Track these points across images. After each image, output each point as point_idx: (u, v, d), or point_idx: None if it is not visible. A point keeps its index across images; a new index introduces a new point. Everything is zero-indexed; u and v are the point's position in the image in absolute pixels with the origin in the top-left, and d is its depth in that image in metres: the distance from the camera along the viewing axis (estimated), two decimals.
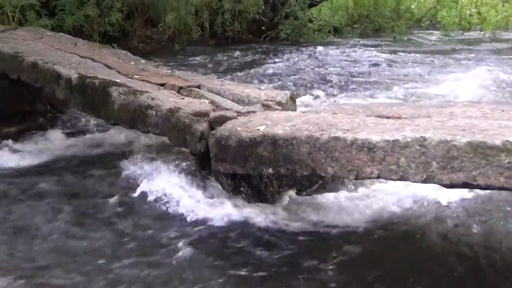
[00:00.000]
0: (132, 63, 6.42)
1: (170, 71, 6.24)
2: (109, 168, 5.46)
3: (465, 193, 4.60)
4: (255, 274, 3.74)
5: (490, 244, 4.09)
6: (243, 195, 4.59)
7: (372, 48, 10.43)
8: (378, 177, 3.78)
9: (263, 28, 10.95)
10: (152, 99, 5.00)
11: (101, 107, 5.36)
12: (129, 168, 5.19)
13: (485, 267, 3.83)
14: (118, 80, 5.45)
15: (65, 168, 5.55)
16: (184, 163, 4.93)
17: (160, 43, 10.43)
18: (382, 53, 10.08)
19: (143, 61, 6.63)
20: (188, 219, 4.42)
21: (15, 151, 5.99)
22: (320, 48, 10.32)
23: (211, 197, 4.62)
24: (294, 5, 10.88)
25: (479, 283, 3.67)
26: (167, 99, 5.02)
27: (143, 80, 5.60)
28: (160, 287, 3.63)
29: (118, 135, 6.17)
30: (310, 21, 11.31)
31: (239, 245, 4.10)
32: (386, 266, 3.91)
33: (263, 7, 10.95)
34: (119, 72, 5.80)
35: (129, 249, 4.06)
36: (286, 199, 4.66)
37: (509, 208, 4.55)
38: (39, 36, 7.42)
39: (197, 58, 9.36)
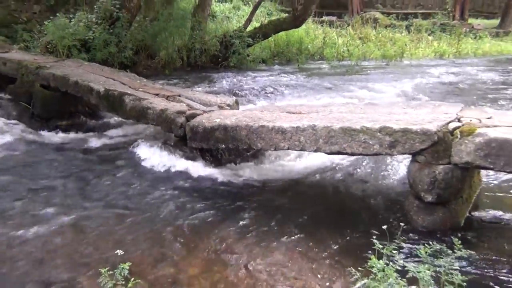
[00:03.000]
0: (138, 81, 6.28)
1: (161, 86, 6.14)
2: (126, 141, 5.42)
3: (347, 157, 4.62)
4: (202, 206, 3.79)
5: (363, 188, 4.17)
6: (207, 160, 4.57)
7: (285, 72, 10.44)
8: (288, 149, 3.82)
9: (219, 59, 10.82)
10: (150, 103, 4.92)
11: (118, 108, 5.24)
12: (138, 143, 5.08)
13: (359, 199, 3.93)
14: (129, 92, 5.33)
15: (95, 148, 5.42)
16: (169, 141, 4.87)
17: (156, 69, 10.22)
18: (290, 74, 10.09)
19: (145, 80, 6.49)
20: (169, 171, 4.46)
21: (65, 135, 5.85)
22: (254, 72, 10.29)
23: (186, 161, 4.58)
24: (238, 45, 10.79)
25: (351, 211, 3.75)
26: (160, 103, 4.94)
27: (145, 92, 5.48)
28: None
29: (130, 127, 6.01)
30: (248, 55, 11.22)
31: (199, 187, 4.16)
32: (299, 197, 3.97)
33: (219, 47, 10.86)
34: (130, 87, 5.67)
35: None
36: (233, 164, 4.65)
37: (371, 164, 4.65)
38: (79, 64, 7.21)
39: (179, 78, 9.23)
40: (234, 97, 5.94)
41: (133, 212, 3.67)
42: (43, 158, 4.95)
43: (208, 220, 3.56)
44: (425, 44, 14.87)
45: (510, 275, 2.71)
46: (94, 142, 5.51)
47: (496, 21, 19.72)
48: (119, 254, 2.03)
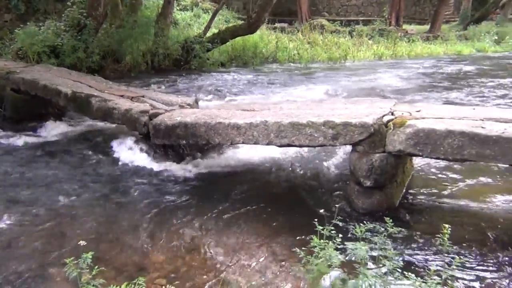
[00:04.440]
0: (104, 84, 6.08)
1: (126, 88, 5.96)
2: (92, 139, 5.27)
3: (297, 149, 4.62)
4: (164, 197, 3.73)
5: (308, 176, 4.20)
6: (169, 156, 4.49)
7: (241, 74, 10.39)
8: (243, 143, 3.79)
9: (182, 63, 10.68)
10: (116, 104, 4.78)
11: (85, 109, 5.06)
12: (104, 140, 4.94)
13: (305, 186, 3.95)
14: (95, 94, 5.13)
15: (65, 142, 5.26)
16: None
17: (122, 72, 9.96)
18: (246, 75, 10.06)
19: (111, 82, 6.28)
20: (134, 166, 4.38)
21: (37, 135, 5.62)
22: (213, 74, 10.19)
23: (149, 156, 4.52)
24: (198, 50, 10.70)
25: (300, 197, 3.77)
26: (124, 104, 4.80)
27: (110, 93, 5.30)
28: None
29: (97, 126, 5.81)
30: (208, 59, 11.10)
31: (161, 180, 4.09)
32: (253, 186, 3.94)
33: (181, 52, 10.71)
34: (96, 89, 5.47)
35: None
36: (193, 158, 4.59)
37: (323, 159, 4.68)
38: (48, 69, 6.93)
39: (143, 81, 9.03)
40: (194, 96, 5.85)
41: (99, 204, 3.58)
42: (10, 155, 4.78)
43: (170, 210, 3.50)
44: (366, 47, 15.12)
45: (433, 249, 2.81)
46: (62, 139, 5.33)
47: (426, 27, 20.28)
48: (81, 244, 1.95)
